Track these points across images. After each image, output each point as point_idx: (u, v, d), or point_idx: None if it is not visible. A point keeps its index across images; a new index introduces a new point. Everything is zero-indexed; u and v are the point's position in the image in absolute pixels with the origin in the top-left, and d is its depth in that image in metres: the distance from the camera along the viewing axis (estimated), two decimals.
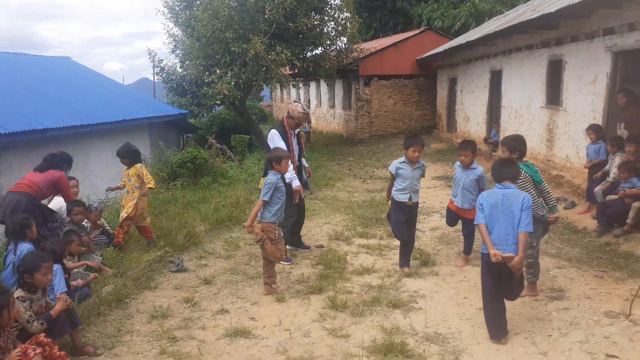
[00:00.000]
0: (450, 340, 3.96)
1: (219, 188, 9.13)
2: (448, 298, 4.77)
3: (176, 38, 15.25)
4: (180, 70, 15.35)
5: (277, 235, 4.79)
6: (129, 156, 6.06)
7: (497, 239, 3.79)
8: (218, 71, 13.28)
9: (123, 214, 5.96)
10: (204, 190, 8.91)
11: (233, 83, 13.04)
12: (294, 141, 5.95)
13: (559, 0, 8.41)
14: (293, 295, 4.89)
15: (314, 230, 7.12)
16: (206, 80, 13.43)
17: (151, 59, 14.93)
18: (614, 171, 6.51)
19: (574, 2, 6.92)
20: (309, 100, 24.46)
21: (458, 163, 5.57)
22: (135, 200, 5.93)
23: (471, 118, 14.01)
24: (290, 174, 5.54)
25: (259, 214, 4.80)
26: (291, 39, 14.25)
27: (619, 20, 6.92)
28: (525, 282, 4.52)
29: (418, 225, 7.21)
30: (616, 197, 6.27)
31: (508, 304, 4.30)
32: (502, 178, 3.91)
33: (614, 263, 5.44)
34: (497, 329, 3.91)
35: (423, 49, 17.92)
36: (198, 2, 13.70)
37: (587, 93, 7.80)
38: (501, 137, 11.43)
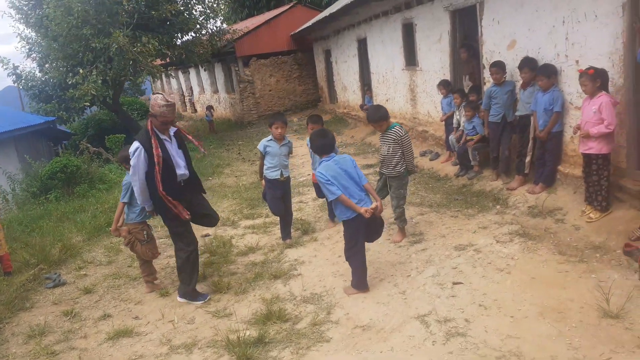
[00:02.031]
0: (325, 298, 4.30)
1: (97, 194, 8.77)
2: (325, 259, 5.12)
3: (30, 40, 14.04)
4: (40, 74, 14.23)
5: (145, 235, 4.77)
6: None
7: (356, 200, 4.14)
8: (82, 71, 12.52)
9: None
10: (80, 199, 8.52)
11: (100, 81, 12.39)
12: (171, 146, 4.38)
13: None
14: (177, 288, 4.96)
15: None
16: (70, 82, 12.61)
17: (4, 67, 13.63)
18: (462, 120, 7.23)
19: None
20: (191, 87, 23.86)
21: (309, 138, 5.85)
22: None
23: (348, 87, 14.58)
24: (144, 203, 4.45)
25: (124, 216, 4.76)
26: (157, 28, 13.76)
27: None
28: (398, 228, 5.30)
29: (301, 198, 7.59)
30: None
31: (376, 255, 4.77)
32: (327, 152, 4.21)
33: (467, 202, 6.13)
34: (365, 280, 4.30)
35: (296, 23, 18.14)
36: None
37: (436, 51, 8.49)
38: (374, 102, 12.09)
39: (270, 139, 5.55)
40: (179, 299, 4.64)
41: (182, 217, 4.35)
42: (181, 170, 4.41)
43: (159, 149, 4.22)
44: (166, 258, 5.82)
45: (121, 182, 4.84)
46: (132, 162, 4.22)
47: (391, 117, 10.97)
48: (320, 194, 6.14)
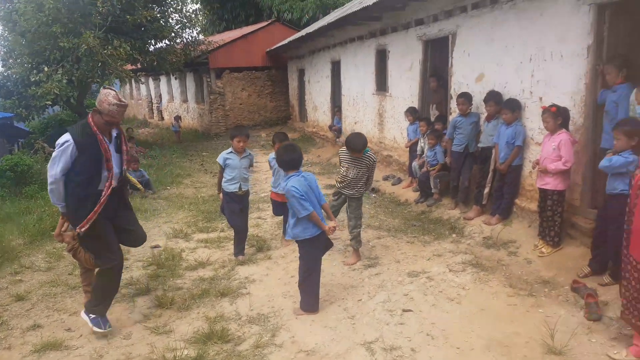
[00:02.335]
0: (271, 319, 4.13)
1: (47, 196, 8.33)
2: (277, 279, 4.96)
3: None
4: (3, 69, 13.69)
5: None
6: None
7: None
8: (47, 69, 12.08)
9: None
10: (28, 200, 8.10)
11: (65, 81, 11.98)
12: (111, 147, 3.88)
13: None
14: (118, 300, 4.68)
15: (152, 231, 6.87)
16: (33, 80, 12.14)
17: None
18: (426, 147, 7.26)
19: None
20: (160, 95, 23.48)
21: (272, 155, 5.74)
22: None
23: (319, 107, 14.59)
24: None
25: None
26: (130, 32, 13.46)
27: (426, 12, 7.68)
28: (352, 250, 5.27)
29: (260, 214, 7.43)
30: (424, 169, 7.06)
31: (329, 277, 4.66)
32: (295, 167, 4.11)
33: (424, 229, 6.10)
34: (316, 302, 4.17)
35: (272, 40, 18.16)
36: None
37: (406, 79, 8.57)
38: (343, 124, 12.12)
39: (231, 152, 5.42)
40: (82, 314, 4.11)
41: (81, 226, 3.78)
42: (116, 176, 3.91)
43: (105, 144, 3.76)
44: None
45: None
46: (54, 154, 3.71)
47: None
48: (277, 211, 5.99)
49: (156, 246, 6.17)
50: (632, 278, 3.11)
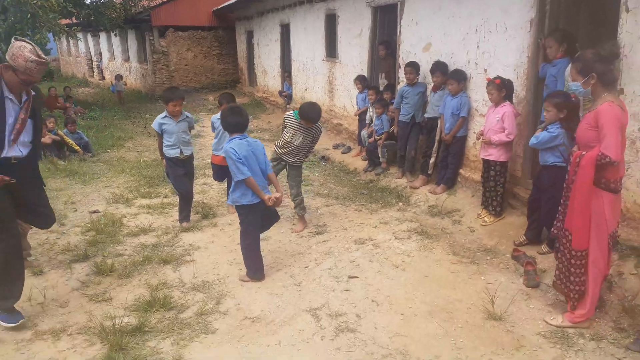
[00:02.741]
0: (216, 286, 4.07)
1: None
2: (222, 246, 4.87)
3: None
4: None
5: None
6: None
7: (259, 184, 3.96)
8: None
9: None
10: None
11: None
12: (16, 110, 3.37)
13: None
14: (54, 267, 4.47)
15: (91, 196, 6.57)
16: None
17: None
18: (374, 116, 7.27)
19: None
20: (100, 53, 22.19)
21: (216, 116, 5.54)
22: None
23: (268, 72, 14.26)
24: None
25: None
26: None
27: None
28: (297, 217, 5.27)
29: (206, 180, 7.25)
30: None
31: (277, 244, 4.63)
32: (240, 130, 3.99)
33: (372, 197, 6.17)
34: (260, 269, 4.14)
35: None
36: None
37: (356, 46, 8.48)
38: (293, 90, 11.93)
39: (166, 116, 5.14)
40: None
41: None
42: (20, 146, 3.43)
43: (5, 108, 3.27)
44: (46, 233, 5.24)
45: None
46: None
47: None
48: (218, 176, 5.84)
49: (95, 211, 5.90)
50: (566, 250, 3.27)
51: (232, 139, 3.96)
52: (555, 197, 3.77)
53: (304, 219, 5.24)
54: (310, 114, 4.87)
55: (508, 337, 3.24)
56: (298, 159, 5.11)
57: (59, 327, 3.51)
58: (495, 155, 4.83)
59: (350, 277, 4.09)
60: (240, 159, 3.86)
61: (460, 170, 5.82)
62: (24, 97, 3.42)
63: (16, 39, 3.29)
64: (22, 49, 3.20)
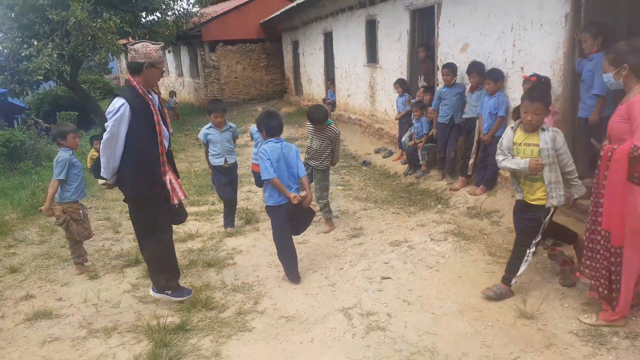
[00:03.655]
0: (255, 287, 4.26)
1: (42, 171, 8.46)
2: (263, 250, 5.07)
3: None
4: None
5: (81, 215, 4.64)
6: None
7: (289, 187, 4.14)
8: (37, 43, 12.01)
9: None
10: (22, 176, 8.20)
11: (56, 55, 11.91)
12: (158, 113, 3.66)
13: None
14: (109, 271, 4.84)
15: None
16: (24, 54, 12.07)
17: None
18: (413, 119, 7.29)
19: None
20: None
21: (254, 126, 5.74)
22: None
23: (313, 80, 14.53)
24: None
25: (57, 195, 4.58)
26: (120, 5, 13.31)
27: None
28: (324, 220, 5.44)
29: (251, 187, 7.52)
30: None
31: (314, 247, 4.78)
32: (275, 134, 4.19)
33: (411, 200, 6.20)
34: (295, 270, 4.29)
35: (267, 12, 17.87)
36: None
37: (395, 50, 8.53)
38: (337, 97, 12.11)
39: (211, 126, 5.47)
40: (152, 293, 4.02)
41: (176, 199, 3.73)
42: (167, 141, 3.74)
43: (156, 107, 3.57)
44: (102, 240, 5.66)
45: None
46: (111, 122, 3.43)
47: (352, 113, 11.06)
48: (259, 182, 6.05)
49: None
50: (603, 250, 3.17)
51: (268, 142, 4.17)
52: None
53: (330, 221, 5.42)
54: (314, 115, 5.12)
55: (539, 336, 3.21)
56: (321, 163, 5.27)
57: (111, 326, 3.80)
58: None
59: (383, 277, 4.16)
60: (269, 159, 4.05)
61: (500, 171, 5.74)
62: (156, 98, 3.71)
63: (133, 44, 3.53)
64: (145, 46, 3.52)
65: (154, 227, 3.79)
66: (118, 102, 3.46)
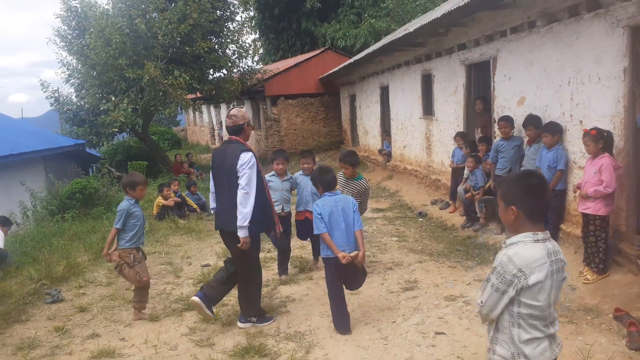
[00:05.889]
0: (307, 337, 4.29)
1: (112, 217, 8.99)
2: (316, 299, 5.12)
3: (70, 67, 14.89)
4: (76, 99, 14.97)
5: (132, 259, 4.82)
6: None
7: (339, 241, 4.16)
8: (114, 98, 13.16)
9: None
10: (94, 221, 8.78)
11: (130, 109, 12.96)
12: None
13: (425, 18, 9.28)
14: (168, 314, 5.03)
15: (204, 251, 7.27)
16: (102, 108, 13.24)
17: (44, 90, 14.42)
18: (466, 171, 7.24)
19: (429, 21, 7.73)
20: (221, 122, 24.54)
21: (300, 172, 5.87)
22: None
23: (369, 131, 14.80)
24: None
25: (116, 241, 4.86)
26: (190, 63, 14.40)
27: (467, 37, 7.77)
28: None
29: None
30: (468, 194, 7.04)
31: (367, 299, 4.77)
32: (331, 187, 4.32)
33: (468, 254, 6.08)
34: (346, 323, 4.29)
35: (325, 67, 18.64)
36: (91, 29, 13.54)
37: (451, 103, 8.62)
38: (393, 148, 12.24)
39: (273, 174, 5.69)
40: (239, 324, 4.54)
41: (279, 230, 4.65)
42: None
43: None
44: (163, 284, 5.92)
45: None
46: (248, 172, 4.14)
47: (408, 164, 11.09)
48: (301, 234, 5.99)
49: (207, 265, 6.52)
50: None
51: (323, 196, 4.30)
52: None
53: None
54: (347, 158, 5.43)
55: None
56: None
57: None
58: (593, 208, 4.60)
59: (437, 332, 4.08)
60: (320, 214, 4.14)
61: (562, 225, 5.56)
62: None
63: (231, 108, 4.48)
64: (239, 110, 4.40)
65: (259, 262, 4.63)
66: (247, 155, 4.18)
